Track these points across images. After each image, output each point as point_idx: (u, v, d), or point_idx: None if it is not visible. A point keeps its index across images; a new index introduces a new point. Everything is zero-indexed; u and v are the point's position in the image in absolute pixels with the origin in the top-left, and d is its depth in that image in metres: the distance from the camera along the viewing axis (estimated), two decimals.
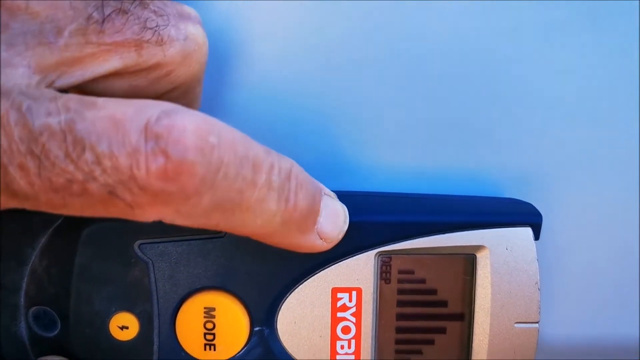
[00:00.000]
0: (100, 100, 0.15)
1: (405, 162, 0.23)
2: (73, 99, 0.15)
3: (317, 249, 0.18)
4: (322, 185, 0.19)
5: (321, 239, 0.18)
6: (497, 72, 0.22)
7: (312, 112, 0.22)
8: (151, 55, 0.16)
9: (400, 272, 0.20)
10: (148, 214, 0.15)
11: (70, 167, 0.14)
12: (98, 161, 0.14)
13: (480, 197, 0.23)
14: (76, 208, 0.15)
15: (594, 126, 0.23)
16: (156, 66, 0.17)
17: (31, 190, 0.14)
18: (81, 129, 0.14)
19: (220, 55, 0.21)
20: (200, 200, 0.15)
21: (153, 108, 0.15)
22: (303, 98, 0.22)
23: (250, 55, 0.22)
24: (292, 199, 0.17)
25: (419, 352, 0.21)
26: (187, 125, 0.15)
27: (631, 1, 0.21)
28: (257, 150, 0.16)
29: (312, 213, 0.18)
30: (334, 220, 0.18)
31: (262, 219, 0.16)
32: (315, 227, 0.18)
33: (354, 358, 0.21)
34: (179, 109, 0.15)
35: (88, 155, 0.14)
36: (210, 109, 0.21)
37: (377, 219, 0.20)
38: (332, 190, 0.19)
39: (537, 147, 0.23)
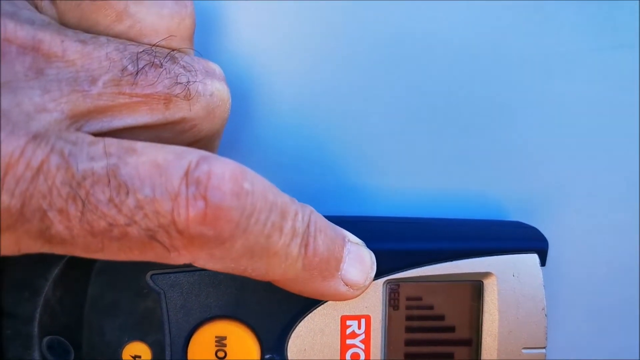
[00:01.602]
0: (139, 145, 0.15)
1: (409, 185, 0.23)
2: (113, 143, 0.15)
3: (344, 296, 0.19)
4: (345, 232, 0.19)
5: (347, 285, 0.18)
6: (501, 95, 0.22)
7: (316, 136, 0.23)
8: (178, 109, 0.17)
9: (408, 298, 0.21)
10: (183, 257, 0.16)
11: (113, 212, 0.14)
12: (140, 206, 0.14)
13: (486, 221, 0.23)
14: (113, 252, 0.15)
15: (598, 148, 0.23)
16: (181, 120, 0.17)
17: (69, 235, 0.14)
18: (124, 174, 0.14)
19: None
20: (234, 244, 0.15)
21: (191, 154, 0.15)
22: (308, 123, 0.22)
23: (253, 80, 0.22)
24: (312, 244, 0.17)
25: None
26: (225, 171, 0.15)
27: (633, 3, 0.22)
28: (284, 197, 0.17)
29: (333, 259, 0.18)
30: (358, 266, 0.19)
31: (285, 264, 0.17)
32: (339, 273, 0.18)
33: None
34: (214, 156, 0.15)
35: (131, 200, 0.14)
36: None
37: (385, 247, 0.20)
38: (336, 216, 0.19)
39: (542, 169, 0.23)
